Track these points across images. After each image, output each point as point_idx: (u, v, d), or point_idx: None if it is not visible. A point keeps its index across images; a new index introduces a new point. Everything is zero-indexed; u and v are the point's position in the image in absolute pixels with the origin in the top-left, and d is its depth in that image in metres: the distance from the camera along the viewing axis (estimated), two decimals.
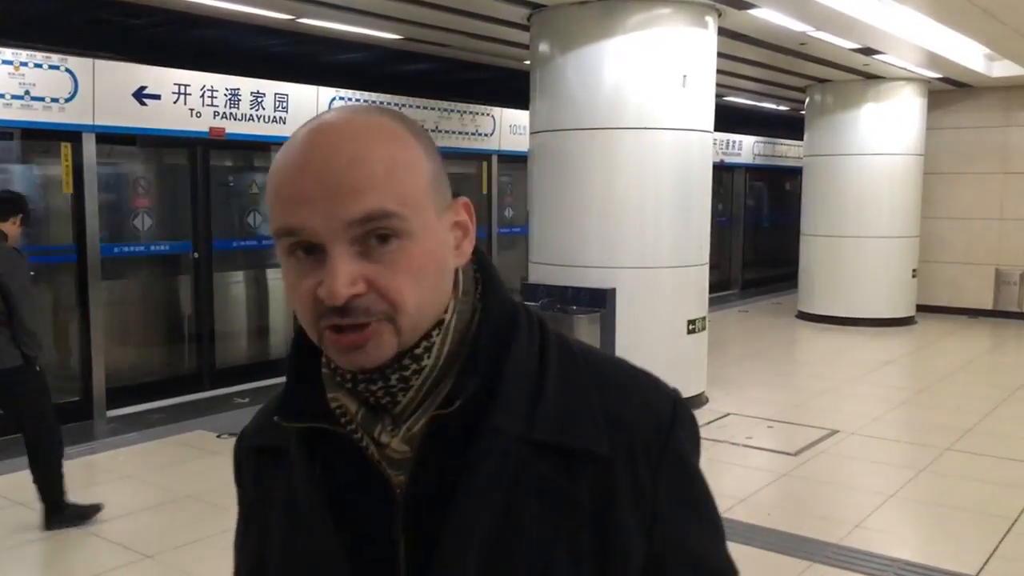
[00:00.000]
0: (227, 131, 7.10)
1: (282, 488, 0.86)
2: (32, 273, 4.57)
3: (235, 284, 7.80)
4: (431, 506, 0.79)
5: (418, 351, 0.80)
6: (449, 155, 9.53)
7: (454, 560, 0.77)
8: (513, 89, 8.76)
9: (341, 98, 8.03)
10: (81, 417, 6.45)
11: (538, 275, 7.04)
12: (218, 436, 6.09)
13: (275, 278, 8.15)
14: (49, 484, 4.36)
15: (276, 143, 7.64)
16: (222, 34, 7.68)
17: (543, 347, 0.85)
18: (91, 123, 6.28)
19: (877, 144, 11.14)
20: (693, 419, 0.88)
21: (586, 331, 6.29)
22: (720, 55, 9.03)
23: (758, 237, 16.08)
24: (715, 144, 14.12)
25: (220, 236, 7.46)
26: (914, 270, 11.62)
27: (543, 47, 6.87)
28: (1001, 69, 10.78)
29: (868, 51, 8.79)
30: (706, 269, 7.07)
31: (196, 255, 7.21)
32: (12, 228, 4.36)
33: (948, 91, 11.80)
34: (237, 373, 7.58)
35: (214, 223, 7.35)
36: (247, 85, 7.22)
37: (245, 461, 0.96)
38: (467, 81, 9.94)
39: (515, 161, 9.80)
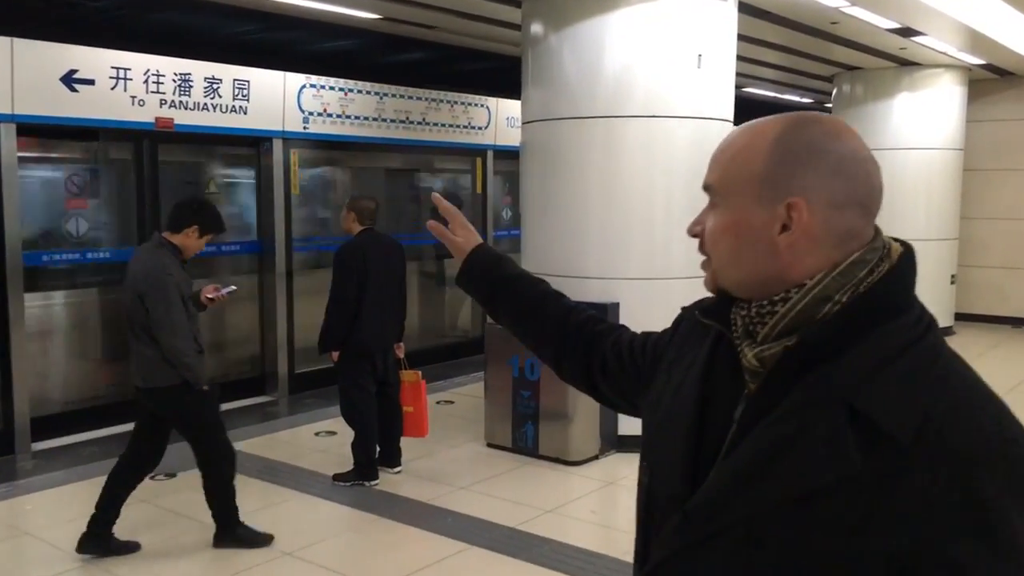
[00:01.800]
0: (176, 122, 6.23)
1: (691, 357, 1.18)
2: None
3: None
4: (759, 413, 1.01)
5: (776, 298, 1.02)
6: (438, 150, 8.63)
7: (745, 452, 1.00)
8: (510, 79, 7.87)
9: (312, 85, 7.15)
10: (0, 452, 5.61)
11: None
12: (152, 477, 5.20)
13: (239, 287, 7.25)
14: (220, 503, 4.19)
15: (236, 136, 6.75)
16: (189, 19, 6.82)
17: (914, 340, 0.97)
18: (10, 112, 5.42)
19: (912, 138, 10.15)
20: (1021, 468, 0.91)
21: None
22: (741, 37, 8.10)
23: None
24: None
25: None
26: (953, 275, 10.62)
27: (536, 25, 5.95)
28: None
29: (907, 31, 7.81)
30: None
31: None
32: (187, 240, 4.04)
33: (990, 80, 10.78)
34: None
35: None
36: (200, 70, 6.35)
37: (686, 323, 1.26)
38: (460, 71, 9.03)
39: (512, 157, 8.86)
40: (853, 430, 0.92)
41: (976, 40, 8.45)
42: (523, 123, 6.18)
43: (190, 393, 4.03)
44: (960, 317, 10.83)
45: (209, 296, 4.29)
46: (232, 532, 4.21)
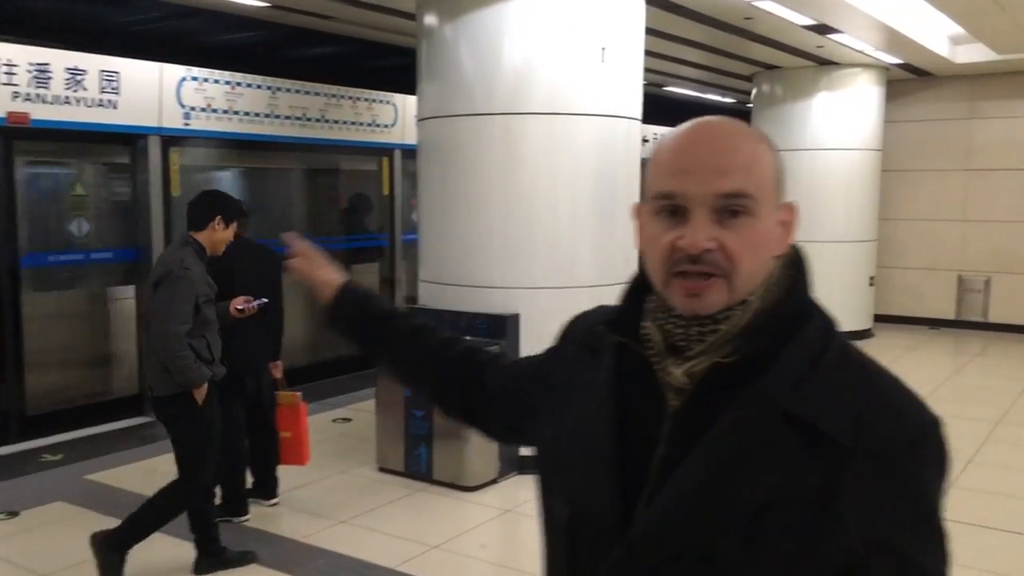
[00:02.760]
0: (32, 117, 5.60)
1: (588, 378, 1.12)
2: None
3: (53, 308, 6.27)
4: (690, 430, 0.99)
5: (719, 317, 1.02)
6: (341, 149, 8.11)
7: (691, 473, 0.98)
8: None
9: (194, 78, 6.57)
10: None
11: (428, 297, 5.68)
12: None
13: (111, 298, 6.64)
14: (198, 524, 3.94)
15: (105, 133, 6.14)
16: (54, 6, 6.22)
17: (826, 342, 1.02)
18: None
19: (831, 138, 10.01)
20: (943, 447, 0.98)
21: None
22: (657, 33, 7.79)
23: None
24: (656, 140, 12.99)
25: (31, 249, 5.94)
26: (871, 277, 10.52)
27: (430, 14, 5.51)
28: (966, 55, 9.72)
29: (823, 28, 7.60)
30: None
31: None
32: (214, 235, 3.89)
33: (907, 80, 10.73)
34: (56, 420, 6.07)
35: (21, 233, 5.84)
36: (60, 60, 5.72)
37: (570, 345, 1.21)
38: (370, 67, 8.54)
39: None
40: (796, 438, 0.94)
41: (893, 38, 8.30)
42: (418, 120, 5.74)
43: (189, 405, 3.74)
44: (878, 318, 10.75)
45: (239, 307, 4.22)
46: (216, 557, 3.96)
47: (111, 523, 4.54)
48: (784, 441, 0.94)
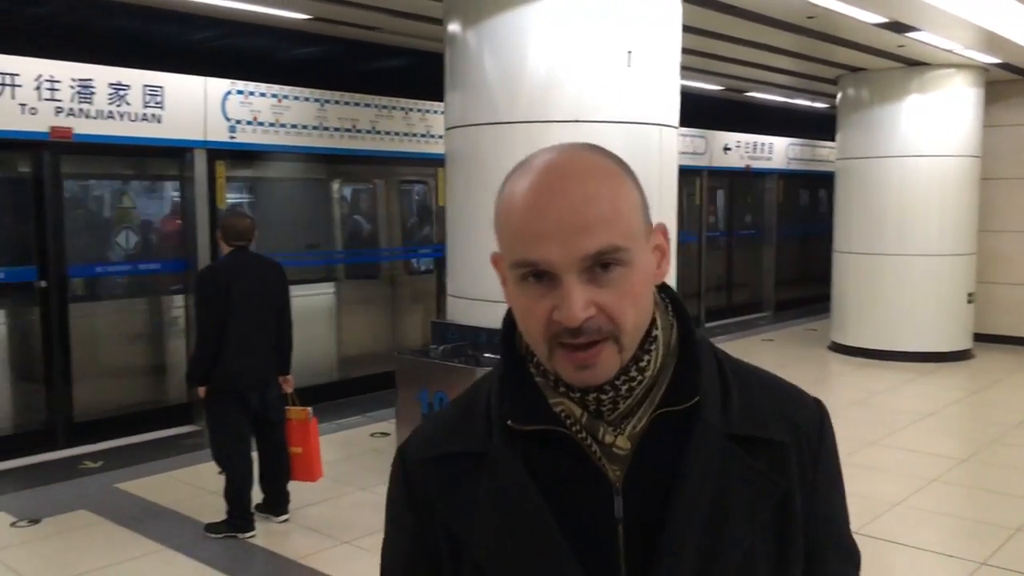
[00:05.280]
0: (75, 131, 5.76)
1: (487, 490, 0.94)
2: None
3: (100, 318, 6.44)
4: (646, 495, 0.92)
5: (642, 363, 0.93)
6: (393, 160, 8.08)
7: (678, 537, 0.91)
8: None
9: (239, 92, 6.65)
10: None
11: (456, 312, 5.52)
12: (13, 524, 4.72)
13: (160, 308, 6.79)
14: None
15: (150, 147, 6.27)
16: (100, 23, 6.41)
17: (714, 356, 1.00)
18: None
19: (922, 144, 9.31)
20: (829, 416, 1.05)
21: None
22: (725, 38, 7.46)
23: (795, 251, 14.22)
24: (740, 147, 12.47)
25: (78, 260, 6.12)
26: (970, 294, 9.72)
27: (455, 22, 5.38)
28: None
29: (898, 26, 7.05)
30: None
31: (43, 284, 5.88)
32: None
33: (1009, 81, 9.90)
34: (101, 428, 6.22)
35: (69, 245, 6.02)
36: (103, 75, 5.87)
37: (423, 476, 0.99)
38: (421, 77, 8.48)
39: None
40: (754, 457, 0.95)
41: (984, 37, 7.64)
42: (445, 129, 5.61)
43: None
44: (979, 338, 9.92)
45: None
46: None
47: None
48: (745, 462, 0.94)
